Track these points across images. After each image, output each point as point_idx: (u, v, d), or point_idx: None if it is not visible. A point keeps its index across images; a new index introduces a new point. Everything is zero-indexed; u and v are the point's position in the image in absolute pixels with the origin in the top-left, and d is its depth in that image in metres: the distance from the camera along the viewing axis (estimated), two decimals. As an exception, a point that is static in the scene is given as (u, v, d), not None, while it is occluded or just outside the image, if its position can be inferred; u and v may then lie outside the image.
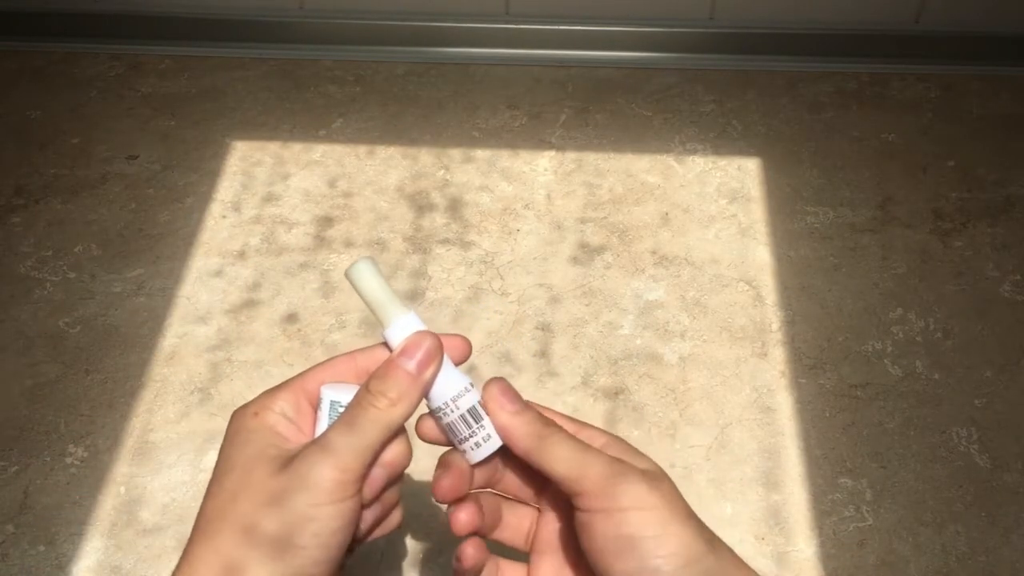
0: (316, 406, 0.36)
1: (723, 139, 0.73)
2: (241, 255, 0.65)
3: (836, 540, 0.50)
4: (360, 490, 0.33)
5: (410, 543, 0.50)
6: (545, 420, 0.36)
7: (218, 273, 0.64)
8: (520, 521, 0.39)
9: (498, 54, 0.81)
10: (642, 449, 0.35)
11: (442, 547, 0.50)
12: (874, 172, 0.71)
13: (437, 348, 0.35)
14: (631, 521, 0.32)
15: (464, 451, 0.37)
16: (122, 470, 0.53)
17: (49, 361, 0.59)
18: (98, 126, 0.75)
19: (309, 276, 0.63)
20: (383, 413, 0.34)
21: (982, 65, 0.79)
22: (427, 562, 0.50)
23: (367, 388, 0.34)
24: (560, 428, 0.35)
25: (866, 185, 0.70)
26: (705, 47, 0.81)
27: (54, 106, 0.77)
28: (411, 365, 0.35)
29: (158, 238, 0.66)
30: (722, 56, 0.81)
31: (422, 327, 0.36)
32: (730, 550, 0.34)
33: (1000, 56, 0.79)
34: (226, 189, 0.70)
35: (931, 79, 0.78)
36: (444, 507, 0.37)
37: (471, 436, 0.36)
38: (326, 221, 0.67)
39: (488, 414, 0.36)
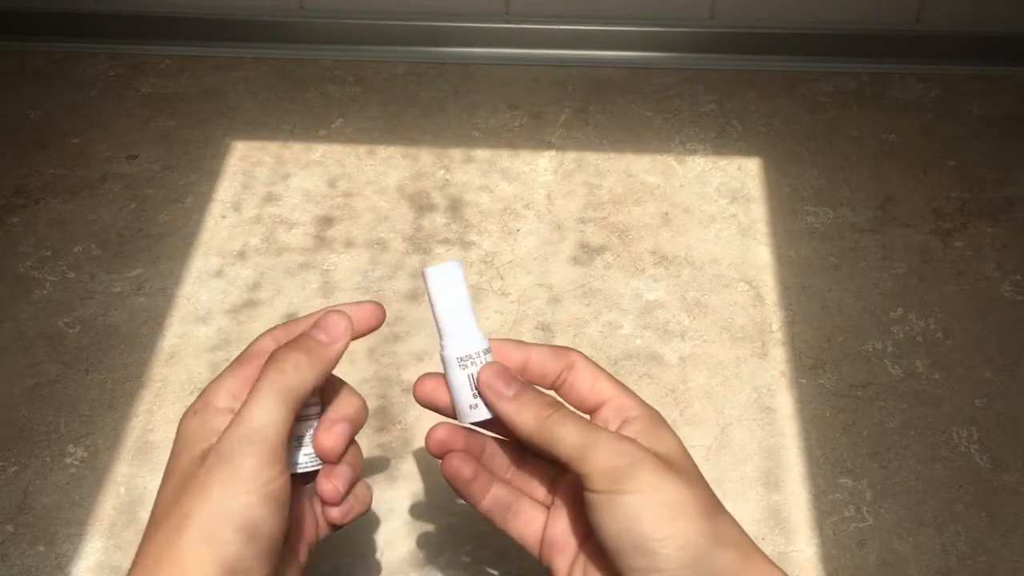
0: None
1: (723, 139, 0.73)
2: (241, 255, 0.65)
3: (836, 540, 0.50)
4: (285, 469, 0.33)
5: (410, 543, 0.50)
6: (545, 400, 0.35)
7: (218, 273, 0.64)
8: (533, 514, 0.38)
9: (498, 54, 0.81)
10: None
11: (442, 547, 0.50)
12: (874, 172, 0.71)
13: (347, 326, 0.36)
14: (636, 509, 0.32)
15: (461, 413, 0.37)
16: (122, 470, 0.53)
17: (49, 361, 0.59)
18: (98, 126, 0.75)
19: (309, 276, 0.63)
20: (286, 377, 0.34)
21: (982, 65, 0.79)
22: (427, 562, 0.50)
23: (273, 355, 0.35)
24: (562, 406, 0.35)
25: (866, 185, 0.70)
26: (705, 47, 0.81)
27: (54, 106, 0.77)
28: (322, 336, 0.36)
29: (158, 238, 0.66)
30: (722, 56, 0.81)
31: (486, 346, 0.37)
32: (747, 550, 0.33)
33: (1000, 56, 0.79)
34: (226, 189, 0.70)
35: (931, 79, 0.78)
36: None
37: (473, 396, 0.37)
38: (326, 221, 0.67)
39: (486, 403, 0.36)
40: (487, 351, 0.37)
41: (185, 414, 0.36)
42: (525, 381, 0.37)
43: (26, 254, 0.65)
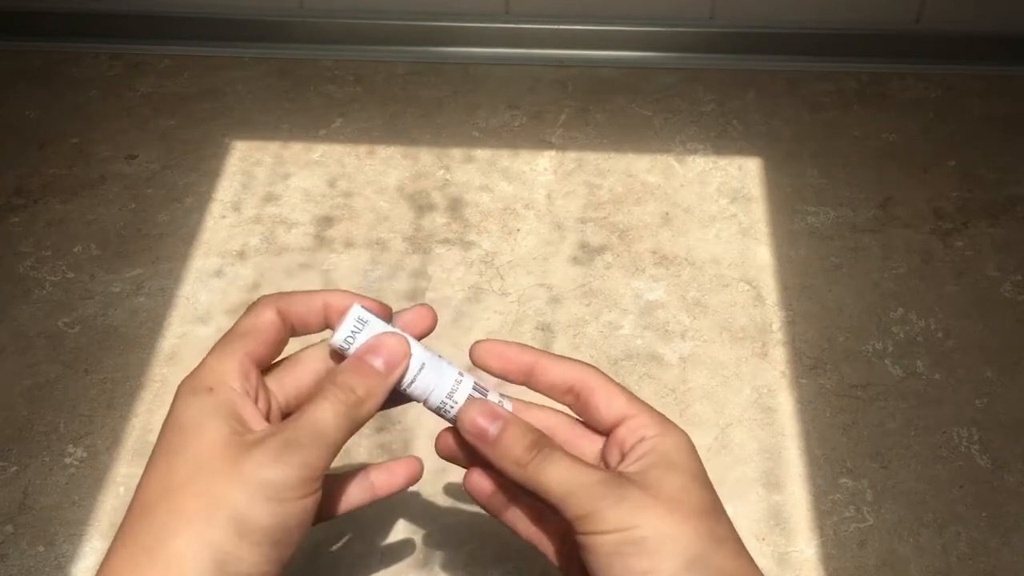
0: (338, 317, 0.35)
1: (724, 139, 0.73)
2: (241, 255, 0.65)
3: (837, 540, 0.50)
4: (319, 488, 0.32)
5: (410, 543, 0.50)
6: (532, 439, 0.34)
7: (218, 273, 0.64)
8: (557, 527, 0.37)
9: (498, 54, 0.81)
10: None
11: (442, 547, 0.50)
12: (874, 172, 0.71)
13: (405, 350, 0.34)
14: (624, 542, 0.31)
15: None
16: (122, 470, 0.53)
17: (48, 361, 0.59)
18: (97, 126, 0.75)
19: (309, 276, 0.63)
20: (351, 410, 0.33)
21: (982, 65, 0.79)
22: (427, 562, 0.50)
23: (333, 381, 0.33)
24: (546, 445, 0.33)
25: (867, 185, 0.69)
26: (705, 47, 0.81)
27: (53, 106, 0.77)
28: (379, 363, 0.34)
29: (157, 238, 0.66)
30: (722, 56, 0.80)
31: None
32: (732, 548, 0.33)
33: (1000, 56, 0.79)
34: (226, 189, 0.70)
35: (931, 79, 0.78)
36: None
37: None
38: (326, 221, 0.67)
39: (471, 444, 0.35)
40: (460, 375, 0.36)
41: (187, 390, 0.33)
42: (510, 416, 0.35)
43: (25, 254, 0.65)
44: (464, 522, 0.51)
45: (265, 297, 0.36)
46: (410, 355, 0.35)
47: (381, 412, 0.36)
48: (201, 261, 0.65)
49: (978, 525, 0.51)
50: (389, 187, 0.70)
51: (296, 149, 0.73)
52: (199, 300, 0.62)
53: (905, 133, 0.74)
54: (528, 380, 0.37)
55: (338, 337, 0.35)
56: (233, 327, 0.36)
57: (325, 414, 0.33)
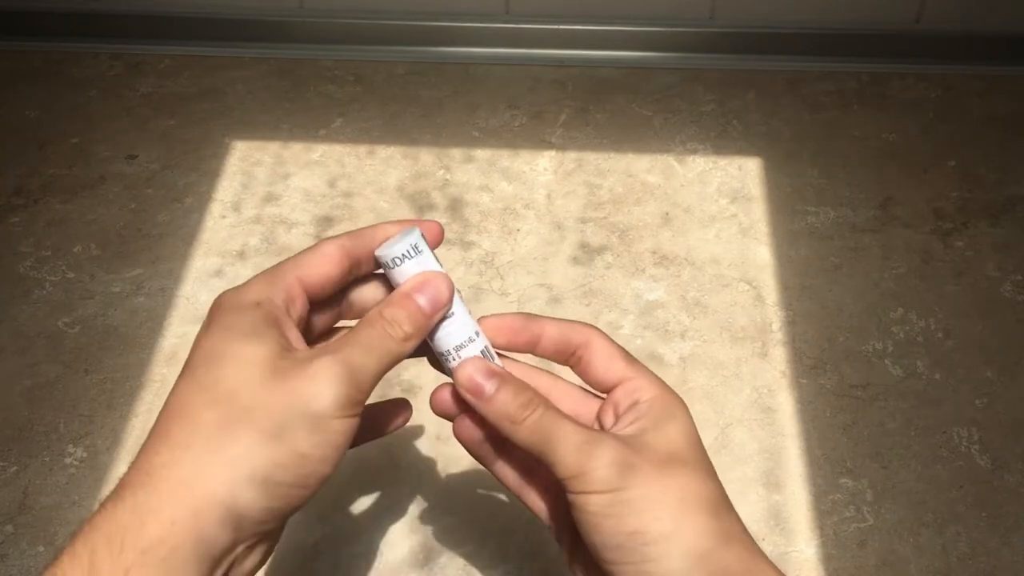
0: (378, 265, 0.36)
1: (724, 139, 0.73)
2: (241, 255, 0.65)
3: (837, 540, 0.50)
4: (359, 413, 0.32)
5: (410, 543, 0.50)
6: (526, 397, 0.34)
7: (218, 273, 0.64)
8: (548, 484, 0.37)
9: (498, 54, 0.81)
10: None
11: (442, 547, 0.50)
12: (875, 172, 0.71)
13: (450, 295, 0.35)
14: (635, 517, 0.31)
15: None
16: (122, 471, 0.53)
17: (48, 361, 0.59)
18: (97, 126, 0.75)
19: (309, 276, 0.63)
20: (396, 344, 0.33)
21: (982, 65, 0.79)
22: (427, 562, 0.50)
23: (381, 314, 0.33)
24: (544, 401, 0.34)
25: (867, 185, 0.69)
26: (705, 47, 0.81)
27: (53, 106, 0.77)
28: (425, 303, 0.34)
29: (157, 238, 0.66)
30: (722, 56, 0.80)
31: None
32: (754, 551, 0.32)
33: (1000, 56, 0.79)
34: (226, 189, 0.70)
35: (931, 79, 0.78)
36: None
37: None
38: (326, 221, 0.67)
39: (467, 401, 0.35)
40: (476, 335, 0.36)
41: (229, 305, 0.32)
42: (506, 375, 0.35)
43: (25, 254, 0.65)
44: (464, 522, 0.51)
45: (330, 236, 0.36)
46: (452, 300, 0.35)
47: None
48: (201, 261, 0.65)
49: (978, 525, 0.51)
50: (389, 187, 0.70)
51: (296, 149, 0.73)
52: (199, 300, 0.62)
53: (905, 133, 0.74)
54: (534, 348, 0.37)
55: (387, 253, 0.35)
56: (292, 257, 0.35)
57: (372, 342, 0.33)
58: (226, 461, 0.29)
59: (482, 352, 0.36)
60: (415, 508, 0.52)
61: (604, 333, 0.37)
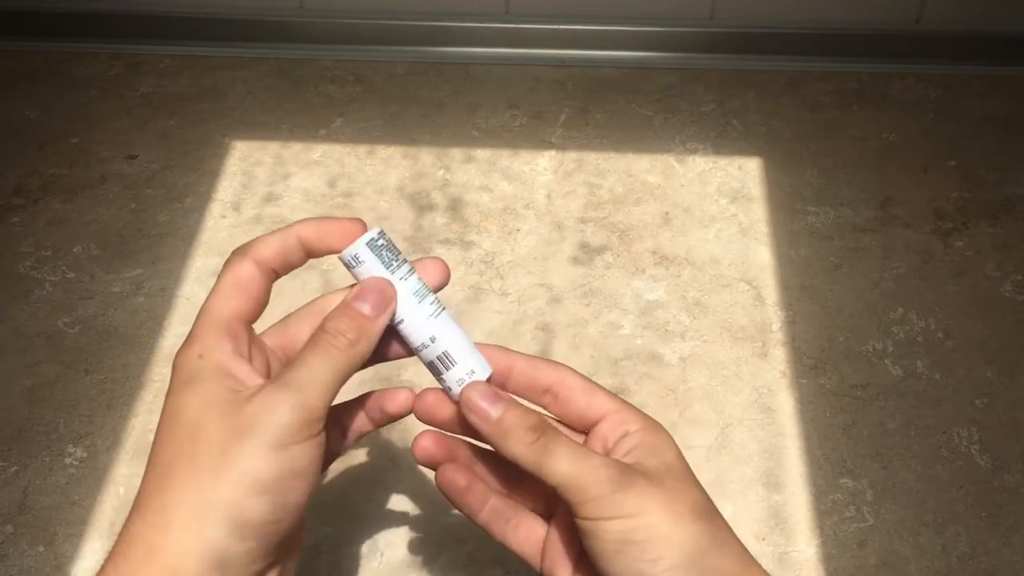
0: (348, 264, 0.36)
1: (724, 139, 0.73)
2: (241, 255, 0.65)
3: (837, 540, 0.50)
4: (321, 431, 0.32)
5: (410, 543, 0.50)
6: (533, 422, 0.34)
7: (218, 273, 0.64)
8: (533, 526, 0.38)
9: (498, 54, 0.81)
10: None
11: (442, 548, 0.50)
12: (875, 172, 0.71)
13: (391, 293, 0.35)
14: (627, 535, 0.32)
15: (448, 388, 0.36)
16: (121, 471, 0.53)
17: (48, 361, 0.59)
18: (97, 126, 0.75)
19: (309, 277, 0.63)
20: (343, 354, 0.33)
21: (982, 65, 0.79)
22: (427, 563, 0.50)
23: (324, 328, 0.34)
24: (548, 427, 0.34)
25: (867, 185, 0.69)
26: (705, 47, 0.81)
27: (53, 106, 0.77)
28: (366, 308, 0.34)
29: (157, 238, 0.66)
30: (722, 56, 0.80)
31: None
32: (747, 560, 0.33)
33: (1000, 56, 0.79)
34: (226, 189, 0.70)
35: (931, 79, 0.78)
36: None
37: (454, 371, 0.36)
38: (326, 221, 0.67)
39: (470, 424, 0.35)
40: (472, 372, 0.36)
41: (180, 361, 0.34)
42: (511, 399, 0.35)
43: (25, 254, 0.65)
44: (464, 522, 0.51)
45: (237, 250, 0.37)
46: (396, 298, 0.35)
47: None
48: (201, 261, 0.65)
49: (978, 525, 0.51)
50: (389, 187, 0.70)
51: (296, 149, 0.73)
52: (199, 300, 0.62)
53: (905, 133, 0.74)
54: (505, 383, 0.37)
55: (344, 256, 0.36)
56: (213, 288, 0.36)
57: (316, 357, 0.33)
58: (195, 513, 0.30)
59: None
60: (415, 508, 0.52)
61: (578, 372, 0.37)
